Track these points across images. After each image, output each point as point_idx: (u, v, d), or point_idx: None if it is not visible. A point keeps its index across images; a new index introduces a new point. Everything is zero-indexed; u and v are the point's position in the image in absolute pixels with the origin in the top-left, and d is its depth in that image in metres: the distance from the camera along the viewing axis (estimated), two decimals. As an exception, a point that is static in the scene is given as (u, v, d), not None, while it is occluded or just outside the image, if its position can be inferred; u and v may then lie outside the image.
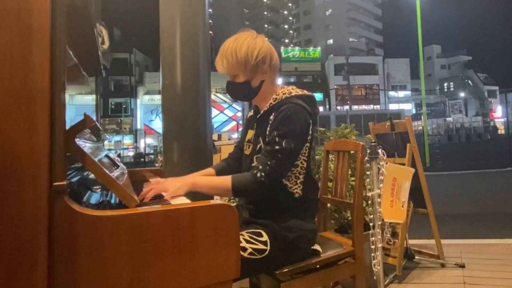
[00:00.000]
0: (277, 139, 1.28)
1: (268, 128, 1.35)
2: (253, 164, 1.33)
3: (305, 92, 1.45)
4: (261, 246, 1.26)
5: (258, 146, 1.38)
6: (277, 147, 1.27)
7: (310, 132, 1.38)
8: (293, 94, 1.41)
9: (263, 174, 1.25)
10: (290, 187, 1.37)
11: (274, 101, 1.41)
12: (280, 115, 1.32)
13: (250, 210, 1.43)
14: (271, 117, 1.36)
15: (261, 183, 1.24)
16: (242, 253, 1.20)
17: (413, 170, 2.38)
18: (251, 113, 1.59)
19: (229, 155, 1.66)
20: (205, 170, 1.59)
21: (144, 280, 0.90)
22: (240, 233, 1.26)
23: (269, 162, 1.26)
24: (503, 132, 37.44)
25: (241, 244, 1.22)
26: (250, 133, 1.51)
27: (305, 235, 1.37)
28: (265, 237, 1.28)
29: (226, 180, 1.27)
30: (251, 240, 1.26)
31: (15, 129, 0.82)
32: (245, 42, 1.35)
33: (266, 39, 1.43)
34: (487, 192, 7.39)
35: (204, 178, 1.41)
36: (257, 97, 1.45)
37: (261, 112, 1.44)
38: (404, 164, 2.51)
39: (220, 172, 1.56)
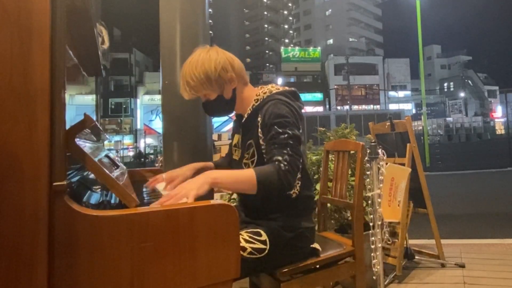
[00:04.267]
0: (280, 130, 1.26)
1: (260, 130, 1.33)
2: (272, 158, 1.25)
3: (286, 88, 1.43)
4: (260, 246, 1.26)
5: (251, 150, 1.36)
6: (283, 136, 1.25)
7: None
8: (274, 91, 1.40)
9: (285, 163, 1.21)
10: None
11: (256, 102, 1.38)
12: (269, 112, 1.30)
13: (247, 211, 1.43)
14: (258, 118, 1.34)
15: (286, 172, 1.20)
16: (241, 252, 1.20)
17: (409, 169, 2.38)
18: (234, 118, 1.57)
19: (226, 154, 1.66)
20: (204, 163, 1.58)
21: (144, 280, 0.90)
22: (239, 233, 1.26)
23: (284, 151, 1.23)
24: (503, 132, 37.44)
25: (241, 244, 1.21)
26: (237, 138, 1.49)
27: (304, 233, 1.37)
28: (264, 237, 1.28)
29: (250, 174, 1.19)
30: (251, 239, 1.26)
31: (15, 129, 0.82)
32: (199, 59, 1.32)
33: (220, 49, 1.39)
34: (487, 192, 7.38)
35: (224, 173, 1.23)
36: (236, 106, 1.43)
37: (246, 116, 1.41)
38: (404, 164, 2.51)
39: (218, 167, 1.57)
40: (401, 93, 44.33)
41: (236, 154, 1.47)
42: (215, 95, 1.37)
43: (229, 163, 1.60)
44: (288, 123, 1.28)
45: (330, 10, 52.52)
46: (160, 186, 1.45)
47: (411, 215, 2.70)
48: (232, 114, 1.55)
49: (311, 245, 1.40)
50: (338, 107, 38.47)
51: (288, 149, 1.24)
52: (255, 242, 1.26)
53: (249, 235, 1.27)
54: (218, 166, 1.59)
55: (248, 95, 1.42)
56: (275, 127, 1.27)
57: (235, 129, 1.55)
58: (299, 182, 1.37)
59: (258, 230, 1.30)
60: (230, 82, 1.37)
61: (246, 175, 1.20)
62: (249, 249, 1.23)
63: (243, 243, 1.23)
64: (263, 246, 1.26)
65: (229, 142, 1.68)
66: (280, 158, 1.22)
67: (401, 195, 2.16)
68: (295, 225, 1.35)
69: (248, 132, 1.39)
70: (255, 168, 1.23)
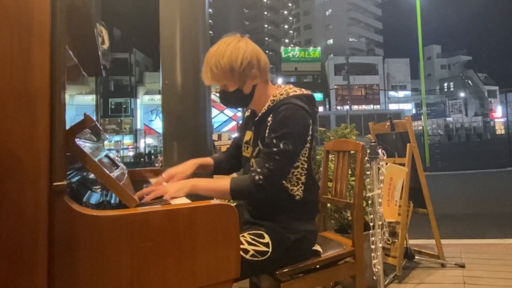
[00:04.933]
0: (274, 141, 1.26)
1: (267, 130, 1.32)
2: (251, 168, 1.31)
3: (303, 91, 1.42)
4: (263, 248, 1.25)
5: (257, 149, 1.36)
6: (274, 149, 1.25)
7: (310, 132, 1.35)
8: (290, 94, 1.37)
9: (261, 177, 1.22)
10: (291, 190, 1.35)
11: (272, 102, 1.37)
12: (278, 117, 1.29)
13: (251, 211, 1.41)
14: (269, 118, 1.33)
15: (259, 186, 1.22)
16: (244, 255, 1.19)
17: (406, 169, 2.39)
18: (247, 113, 1.55)
19: (227, 149, 1.64)
20: (203, 158, 1.58)
21: (144, 280, 0.90)
22: (242, 234, 1.26)
23: (267, 165, 1.23)
24: (503, 132, 37.43)
25: (243, 246, 1.21)
26: (249, 135, 1.48)
27: (306, 236, 1.36)
28: (266, 239, 1.27)
29: (225, 183, 1.24)
30: (253, 242, 1.25)
31: (15, 129, 0.82)
32: (228, 49, 1.29)
33: (250, 41, 1.36)
34: (487, 192, 7.38)
35: (204, 181, 1.32)
36: (252, 102, 1.41)
37: (259, 114, 1.40)
38: (404, 164, 2.51)
39: (217, 163, 1.58)
40: (401, 93, 44.31)
41: (247, 151, 1.45)
42: (235, 87, 1.34)
43: (227, 157, 1.59)
44: (288, 135, 1.26)
45: (330, 10, 52.53)
46: None
47: (411, 215, 2.70)
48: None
49: (312, 247, 1.40)
50: (338, 107, 38.46)
51: (272, 163, 1.24)
52: (258, 244, 1.25)
53: (252, 237, 1.26)
54: (216, 162, 1.58)
55: (266, 94, 1.41)
56: (273, 135, 1.27)
57: (247, 126, 1.52)
58: (302, 186, 1.36)
59: (261, 232, 1.29)
60: (252, 79, 1.35)
61: (222, 186, 1.25)
62: (251, 252, 1.22)
63: (245, 245, 1.22)
64: (265, 249, 1.25)
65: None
66: (259, 170, 1.24)
67: (397, 194, 2.16)
68: (299, 228, 1.35)
69: (259, 131, 1.39)
70: (233, 178, 1.27)
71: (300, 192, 1.36)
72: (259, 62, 1.34)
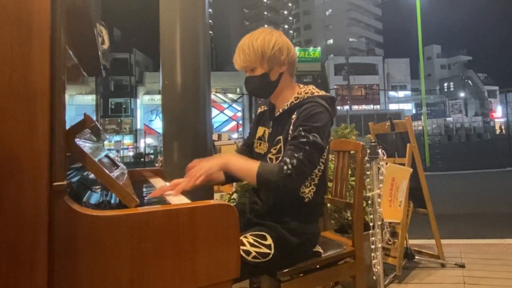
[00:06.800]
0: (303, 133, 1.25)
1: (291, 127, 1.32)
2: (282, 157, 1.27)
3: (325, 93, 1.42)
4: (265, 250, 1.24)
5: (279, 146, 1.35)
6: (303, 140, 1.24)
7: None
8: (315, 94, 1.39)
9: (290, 166, 1.20)
10: (303, 192, 1.34)
11: (295, 100, 1.37)
12: (304, 113, 1.29)
13: (256, 210, 1.40)
14: (293, 116, 1.33)
15: (287, 176, 1.19)
16: (246, 256, 1.19)
17: (410, 170, 2.39)
18: (261, 109, 1.54)
19: (237, 152, 1.62)
20: None
21: (144, 280, 0.90)
22: (244, 235, 1.25)
23: (296, 155, 1.22)
24: (503, 132, 37.43)
25: (245, 248, 1.21)
26: (262, 130, 1.47)
27: (309, 239, 1.36)
28: (269, 241, 1.26)
29: (254, 167, 1.24)
30: (255, 243, 1.24)
31: (15, 129, 0.82)
32: (261, 35, 1.35)
33: (283, 34, 1.41)
34: (487, 192, 7.39)
35: (237, 159, 1.32)
36: (275, 93, 1.41)
37: (280, 110, 1.40)
38: (404, 164, 2.51)
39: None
40: (401, 93, 44.28)
41: (261, 148, 1.45)
42: (262, 71, 1.36)
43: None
44: (316, 129, 1.26)
45: (330, 10, 52.55)
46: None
47: (411, 215, 2.70)
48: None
49: (313, 249, 1.40)
50: (338, 107, 38.44)
51: (301, 153, 1.22)
52: (260, 246, 1.24)
53: (254, 238, 1.25)
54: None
55: (289, 89, 1.42)
56: (301, 128, 1.27)
57: (260, 122, 1.52)
58: (314, 188, 1.36)
59: (264, 233, 1.28)
60: (280, 65, 1.37)
61: (251, 167, 1.25)
62: (253, 253, 1.22)
63: (247, 247, 1.21)
64: (267, 251, 1.24)
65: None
66: (287, 160, 1.22)
67: (402, 195, 2.15)
68: (303, 230, 1.34)
69: (279, 127, 1.38)
70: (262, 163, 1.26)
71: (310, 195, 1.35)
72: (288, 51, 1.38)
